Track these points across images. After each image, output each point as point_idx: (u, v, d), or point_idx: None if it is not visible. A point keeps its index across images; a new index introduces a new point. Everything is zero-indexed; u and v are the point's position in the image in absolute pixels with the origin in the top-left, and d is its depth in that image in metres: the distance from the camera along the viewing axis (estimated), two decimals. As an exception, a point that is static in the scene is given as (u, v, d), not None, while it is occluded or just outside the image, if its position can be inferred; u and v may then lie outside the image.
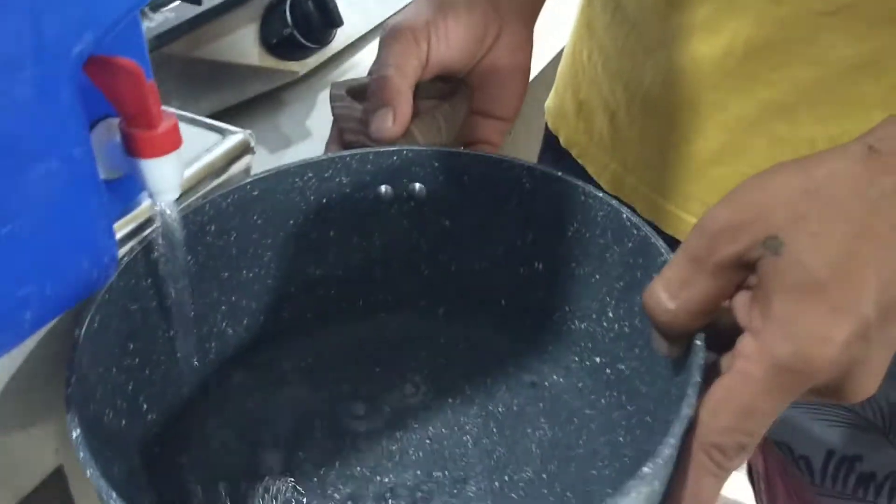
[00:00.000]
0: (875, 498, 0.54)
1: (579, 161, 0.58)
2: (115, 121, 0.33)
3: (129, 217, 0.38)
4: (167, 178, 0.34)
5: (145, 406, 0.41)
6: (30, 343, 0.36)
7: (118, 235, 0.37)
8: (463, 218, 0.47)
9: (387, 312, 0.49)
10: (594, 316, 0.44)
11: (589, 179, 0.55)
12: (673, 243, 0.38)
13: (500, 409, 0.44)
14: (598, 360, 0.44)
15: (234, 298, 0.46)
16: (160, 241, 0.38)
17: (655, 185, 0.52)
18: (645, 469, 0.28)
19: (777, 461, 0.60)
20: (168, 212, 0.37)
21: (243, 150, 0.44)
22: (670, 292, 0.32)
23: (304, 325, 0.48)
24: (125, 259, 0.38)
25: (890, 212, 0.30)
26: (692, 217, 0.50)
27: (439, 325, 0.48)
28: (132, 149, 0.32)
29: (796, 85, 0.44)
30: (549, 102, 0.63)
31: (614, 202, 0.41)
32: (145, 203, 0.38)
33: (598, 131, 0.56)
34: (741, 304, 0.32)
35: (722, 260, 0.31)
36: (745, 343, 0.31)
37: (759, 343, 0.30)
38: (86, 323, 0.35)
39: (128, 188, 0.37)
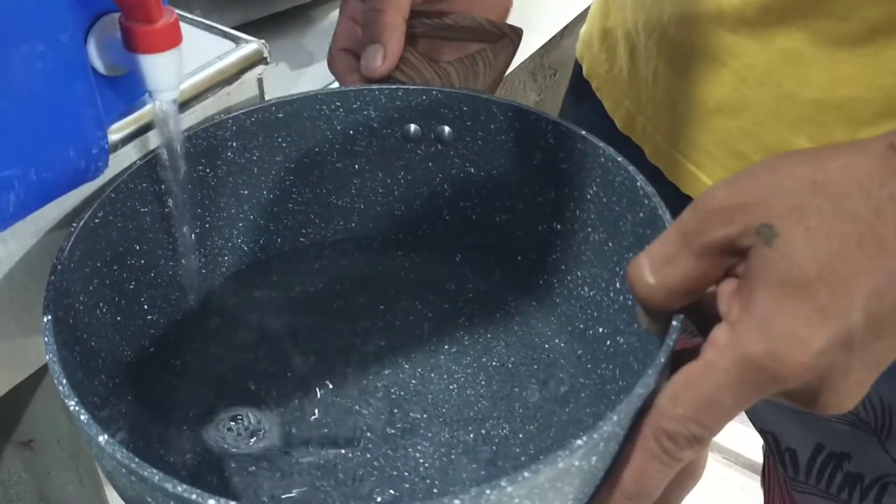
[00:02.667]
0: (860, 502, 0.51)
1: (598, 95, 0.57)
2: (117, 15, 0.33)
3: (131, 118, 0.39)
4: (166, 76, 0.34)
5: (146, 306, 0.42)
6: (26, 229, 0.37)
7: (119, 135, 0.38)
8: (488, 167, 0.46)
9: (403, 251, 0.49)
10: (602, 285, 0.43)
11: (606, 117, 0.55)
12: (680, 200, 0.37)
13: (493, 363, 0.43)
14: (600, 330, 0.43)
15: (252, 216, 0.46)
16: (163, 148, 0.39)
17: (663, 129, 0.51)
18: (578, 442, 0.28)
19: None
20: (165, 112, 0.37)
21: (256, 59, 0.44)
22: (653, 267, 0.31)
23: (321, 251, 0.49)
24: (138, 161, 0.39)
25: None
26: (694, 166, 0.49)
27: (452, 271, 0.48)
28: (131, 44, 0.33)
29: (815, 39, 0.42)
30: (583, 28, 0.62)
31: (631, 168, 0.39)
32: (150, 105, 0.39)
33: (619, 64, 0.55)
34: (725, 291, 0.30)
35: (710, 242, 0.30)
36: (719, 333, 0.29)
37: (732, 335, 0.29)
38: (86, 216, 0.36)
39: (130, 87, 0.37)
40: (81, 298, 0.37)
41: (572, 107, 0.64)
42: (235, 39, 0.44)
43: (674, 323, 0.32)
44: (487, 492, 0.26)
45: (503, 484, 0.26)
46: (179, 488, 0.26)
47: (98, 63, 0.34)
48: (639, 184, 0.38)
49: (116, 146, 0.38)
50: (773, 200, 0.28)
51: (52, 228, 0.38)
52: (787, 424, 0.53)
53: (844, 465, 0.51)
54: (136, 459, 0.27)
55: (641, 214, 0.39)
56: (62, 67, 0.30)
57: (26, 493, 0.56)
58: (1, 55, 0.28)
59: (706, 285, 0.31)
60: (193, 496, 0.26)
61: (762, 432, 0.55)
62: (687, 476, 0.75)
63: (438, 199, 0.48)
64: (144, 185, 0.40)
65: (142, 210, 0.41)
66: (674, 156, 0.51)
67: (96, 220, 0.37)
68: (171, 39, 0.33)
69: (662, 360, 0.30)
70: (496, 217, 0.47)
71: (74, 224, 0.36)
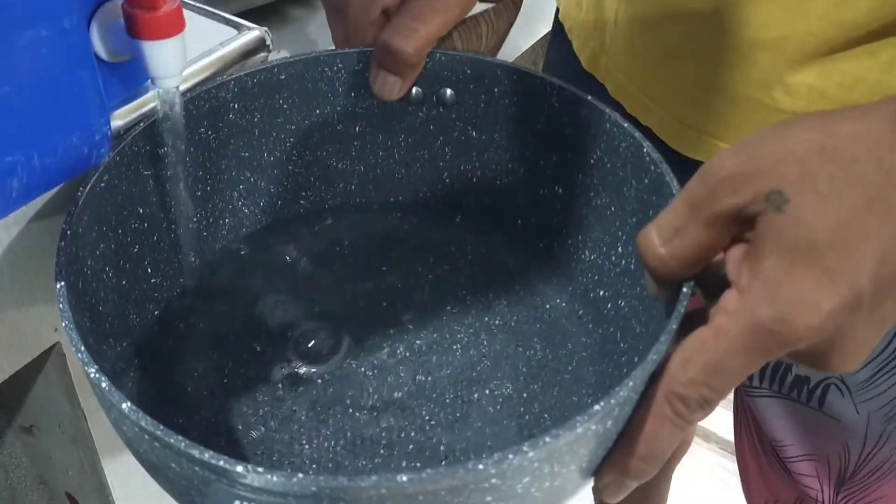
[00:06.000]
0: (807, 400, 0.56)
1: (569, 36, 0.60)
2: (120, 2, 0.33)
3: (135, 104, 0.38)
4: (168, 63, 0.34)
5: (150, 270, 0.42)
6: (28, 213, 0.37)
7: (123, 121, 0.38)
8: (490, 130, 0.46)
9: (402, 212, 0.49)
10: (604, 248, 0.43)
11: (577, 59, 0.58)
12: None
13: (495, 322, 0.44)
14: (601, 293, 0.44)
15: (252, 179, 0.46)
16: (164, 124, 0.39)
17: (624, 67, 0.54)
18: (596, 407, 0.28)
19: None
20: (168, 98, 0.37)
21: (258, 46, 0.44)
22: (662, 237, 0.32)
23: (321, 214, 0.49)
24: (140, 125, 0.39)
25: None
26: (652, 103, 0.53)
27: (452, 234, 0.48)
28: (133, 30, 0.32)
29: None
30: None
31: (637, 134, 0.39)
32: (153, 91, 0.39)
33: (586, 7, 0.57)
34: (734, 257, 0.31)
35: (720, 211, 0.30)
36: (728, 298, 0.30)
37: (742, 301, 0.29)
38: (91, 181, 0.36)
39: (133, 73, 0.37)
40: (90, 263, 0.36)
41: (551, 48, 0.66)
42: (238, 26, 0.44)
43: (684, 290, 0.32)
44: (510, 457, 0.27)
45: (525, 449, 0.27)
46: (206, 455, 0.27)
47: (101, 49, 0.34)
48: (645, 150, 0.39)
49: (119, 132, 0.38)
50: (784, 168, 0.29)
51: (54, 212, 0.38)
52: None
53: (793, 368, 0.56)
54: (161, 426, 0.27)
55: (647, 181, 0.39)
56: (65, 53, 0.30)
57: (27, 477, 0.57)
58: (5, 41, 0.27)
59: (715, 253, 0.32)
60: (221, 462, 0.26)
61: None
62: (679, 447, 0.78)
63: (439, 161, 0.48)
64: (147, 147, 0.40)
65: (145, 173, 0.40)
66: (633, 92, 0.54)
67: (102, 185, 0.37)
68: (174, 26, 0.33)
69: (674, 326, 0.31)
70: (497, 181, 0.48)
71: (81, 189, 0.36)
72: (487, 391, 0.41)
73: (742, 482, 0.67)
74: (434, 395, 0.41)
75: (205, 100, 0.42)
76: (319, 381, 0.41)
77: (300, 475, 0.26)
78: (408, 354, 0.43)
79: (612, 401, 0.29)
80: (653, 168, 0.38)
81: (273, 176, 0.47)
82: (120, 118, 0.39)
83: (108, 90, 0.35)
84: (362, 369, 0.42)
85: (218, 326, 0.43)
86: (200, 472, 0.27)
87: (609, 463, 0.31)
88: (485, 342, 0.43)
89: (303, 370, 0.42)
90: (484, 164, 0.47)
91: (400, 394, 0.41)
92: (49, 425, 0.51)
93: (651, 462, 0.31)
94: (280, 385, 0.41)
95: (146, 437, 0.28)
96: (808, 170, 0.29)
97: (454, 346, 0.43)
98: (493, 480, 0.27)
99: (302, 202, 0.48)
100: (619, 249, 0.42)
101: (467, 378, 0.42)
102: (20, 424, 0.55)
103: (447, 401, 0.41)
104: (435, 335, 0.43)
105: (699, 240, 0.31)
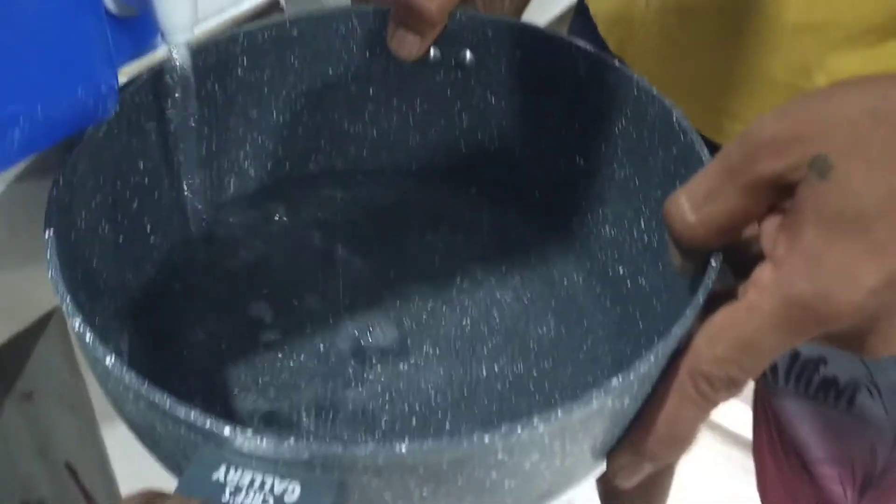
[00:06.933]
0: (835, 402, 0.53)
1: (594, 20, 0.58)
2: None
3: (144, 61, 0.36)
4: (179, 16, 0.32)
5: (149, 228, 0.40)
6: (29, 170, 0.36)
7: (129, 77, 0.36)
8: (510, 96, 0.44)
9: (416, 182, 0.47)
10: (626, 224, 0.41)
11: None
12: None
13: (508, 297, 0.42)
14: (620, 270, 0.42)
15: (260, 139, 0.44)
16: (171, 77, 0.37)
17: (657, 52, 0.52)
18: (614, 381, 0.26)
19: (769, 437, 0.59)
20: (178, 55, 0.35)
21: (271, 7, 0.42)
22: (693, 203, 0.29)
23: (330, 179, 0.47)
24: (143, 76, 0.37)
25: None
26: (683, 88, 0.51)
27: (467, 204, 0.46)
28: None
29: None
30: None
31: (668, 101, 0.37)
32: (162, 48, 0.37)
33: None
34: (769, 228, 0.29)
35: (759, 177, 0.28)
36: (762, 272, 0.28)
37: (777, 274, 0.27)
38: (89, 130, 0.34)
39: (143, 29, 0.35)
40: (84, 215, 0.35)
41: (574, 26, 0.64)
42: (251, -14, 0.42)
43: (713, 263, 0.30)
44: (519, 430, 0.25)
45: (535, 423, 0.25)
46: (192, 415, 0.25)
47: (110, 1, 0.32)
48: (675, 118, 0.36)
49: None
50: (831, 131, 0.27)
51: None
52: None
53: (821, 368, 0.53)
54: (146, 383, 0.26)
55: (675, 150, 0.37)
56: (73, 1, 0.28)
57: (26, 446, 0.55)
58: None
59: (748, 223, 0.29)
60: (207, 423, 0.25)
61: None
62: None
63: (455, 129, 0.46)
64: (150, 98, 0.38)
65: (147, 125, 0.38)
66: (661, 76, 0.51)
67: (100, 133, 0.35)
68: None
69: (701, 300, 0.29)
70: (516, 150, 0.45)
71: (78, 136, 0.34)
72: (496, 368, 0.39)
73: (758, 483, 0.65)
74: (440, 371, 0.39)
75: (213, 52, 0.40)
76: (321, 350, 0.39)
77: (292, 440, 0.24)
78: (414, 326, 0.41)
79: (632, 375, 0.27)
80: (682, 137, 0.36)
81: (282, 137, 0.45)
82: (128, 75, 0.37)
83: (116, 46, 0.33)
84: (366, 339, 0.40)
85: (219, 290, 0.42)
86: (186, 433, 0.26)
87: (625, 444, 0.29)
88: (496, 317, 0.41)
89: (304, 339, 0.40)
90: (502, 133, 0.45)
91: (405, 367, 0.39)
92: (49, 393, 0.49)
93: (670, 445, 0.29)
94: (280, 354, 0.39)
95: (131, 395, 0.26)
96: (858, 134, 0.26)
97: (463, 321, 0.41)
98: (500, 455, 0.25)
99: (311, 166, 0.46)
100: (642, 225, 0.40)
101: (476, 353, 0.40)
102: (20, 391, 0.54)
103: (453, 377, 0.39)
104: (444, 308, 0.41)
105: (733, 207, 0.28)
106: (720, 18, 0.47)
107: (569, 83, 0.41)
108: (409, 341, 0.40)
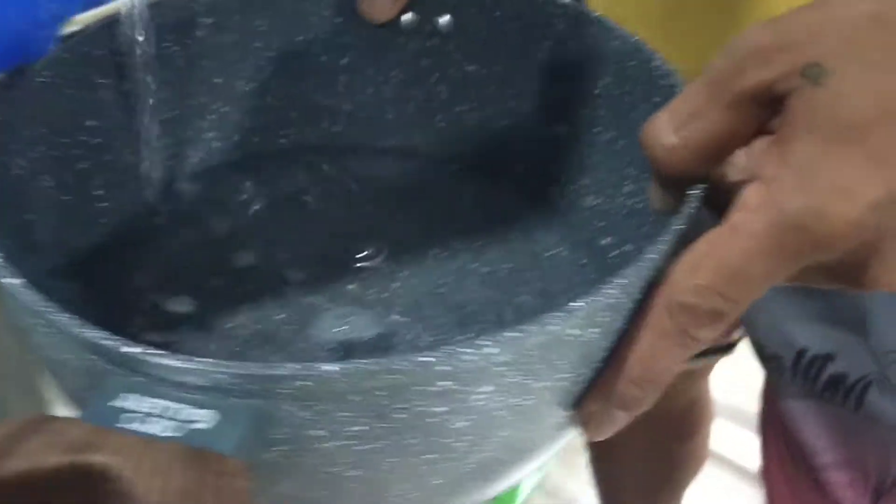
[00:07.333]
0: (843, 401, 0.49)
1: None
2: None
3: (100, 10, 0.35)
4: None
5: (100, 192, 0.38)
6: None
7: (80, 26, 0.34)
8: (490, 63, 0.42)
9: (394, 158, 0.44)
10: (610, 191, 0.38)
11: None
12: None
13: (485, 269, 0.39)
14: (606, 240, 0.39)
15: (224, 109, 0.42)
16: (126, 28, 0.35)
17: (641, 18, 0.48)
18: (573, 305, 0.23)
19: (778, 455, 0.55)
20: (133, 5, 0.33)
21: None
22: (675, 123, 0.26)
23: (302, 154, 0.44)
24: (95, 24, 0.35)
25: None
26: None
27: (447, 179, 0.43)
28: None
29: None
30: None
31: (647, 47, 0.35)
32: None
33: None
34: (758, 149, 0.26)
35: (746, 88, 0.25)
36: (750, 192, 0.24)
37: (767, 193, 0.24)
38: (29, 72, 0.32)
39: None
40: (19, 162, 0.32)
41: None
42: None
43: (694, 191, 0.27)
44: (466, 350, 0.22)
45: (486, 342, 0.22)
46: (89, 332, 0.22)
47: None
48: (655, 63, 0.34)
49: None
50: (824, 36, 0.24)
51: None
52: (771, 330, 0.52)
53: (829, 365, 0.49)
54: (46, 301, 0.23)
55: (657, 99, 0.34)
56: None
57: None
58: None
59: (735, 146, 0.26)
60: (108, 341, 0.22)
61: (750, 338, 0.55)
62: (692, 458, 0.71)
63: (434, 102, 0.44)
64: (103, 53, 0.36)
65: (99, 81, 0.36)
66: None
67: (42, 79, 0.33)
68: None
69: (680, 226, 0.26)
70: (496, 123, 0.43)
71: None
72: (469, 336, 0.36)
73: (767, 499, 0.61)
74: (408, 338, 0.36)
75: (171, 7, 0.38)
76: (279, 317, 0.36)
77: (204, 359, 0.21)
78: (385, 295, 0.38)
79: (598, 300, 0.23)
80: (663, 82, 0.33)
81: (249, 108, 0.43)
82: (79, 24, 0.35)
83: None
84: (328, 309, 0.37)
85: (174, 262, 0.39)
86: (92, 359, 0.23)
87: (594, 386, 0.26)
88: (472, 287, 0.38)
89: (262, 312, 0.37)
90: (483, 103, 0.43)
91: (370, 335, 0.36)
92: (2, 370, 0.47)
93: (645, 388, 0.25)
94: (233, 326, 0.36)
95: (34, 321, 0.24)
96: (855, 38, 0.24)
97: (436, 290, 0.38)
98: (446, 382, 0.22)
99: (282, 140, 0.44)
100: (627, 188, 0.37)
101: (448, 322, 0.37)
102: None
103: (422, 344, 0.35)
104: (416, 278, 0.39)
105: (719, 125, 0.26)
106: None
107: (549, 41, 0.39)
108: (375, 310, 0.37)
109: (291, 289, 0.38)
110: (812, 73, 0.24)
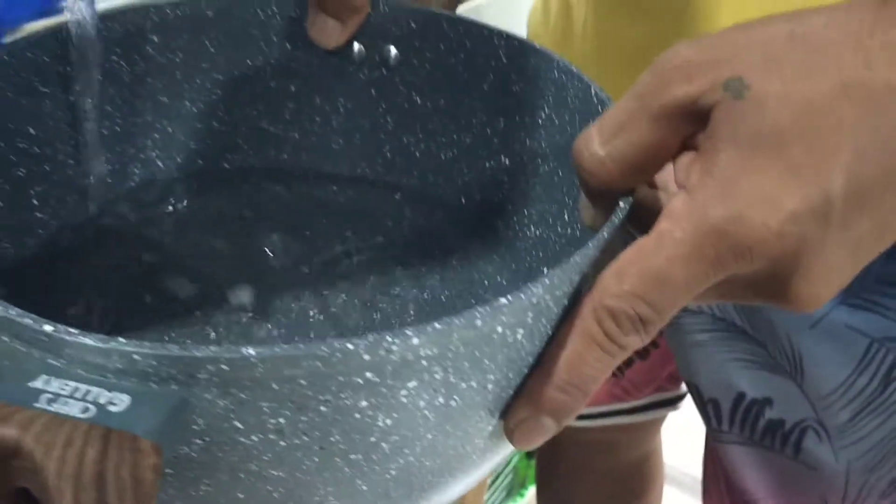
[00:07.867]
0: (781, 447, 0.50)
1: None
2: None
3: (50, 21, 0.35)
4: None
5: (36, 201, 0.37)
6: None
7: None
8: (435, 95, 0.43)
9: (338, 185, 0.45)
10: (551, 220, 0.39)
11: None
12: None
13: (425, 296, 0.39)
14: (545, 270, 0.39)
15: (169, 129, 0.42)
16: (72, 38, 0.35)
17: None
18: (500, 301, 0.23)
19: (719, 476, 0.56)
20: (81, 11, 0.34)
21: None
22: (603, 136, 0.27)
23: (246, 178, 0.44)
24: (41, 32, 0.35)
25: (890, 67, 0.24)
26: None
27: (390, 208, 0.44)
28: None
29: None
30: None
31: (585, 77, 0.36)
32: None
33: (553, 21, 0.56)
34: (684, 163, 0.27)
35: (671, 101, 0.26)
36: (676, 201, 0.25)
37: (690, 201, 0.25)
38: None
39: None
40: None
41: None
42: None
43: (621, 204, 0.28)
44: (389, 339, 0.22)
45: (409, 333, 0.22)
46: (8, 311, 0.21)
47: None
48: (593, 91, 0.35)
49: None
50: (745, 52, 0.25)
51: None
52: (710, 374, 0.52)
53: (766, 411, 0.50)
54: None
55: (595, 127, 0.35)
56: None
57: None
58: None
59: (661, 160, 0.27)
60: (24, 319, 0.21)
61: (687, 384, 0.55)
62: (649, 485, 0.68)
63: (380, 133, 0.44)
64: (47, 60, 0.36)
65: (42, 89, 0.36)
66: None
67: (-19, 80, 0.33)
68: None
69: (605, 235, 0.26)
70: (441, 155, 0.44)
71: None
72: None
73: None
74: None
75: (120, 22, 0.38)
76: (211, 344, 0.36)
77: (120, 339, 0.21)
78: (322, 318, 0.37)
79: (523, 296, 0.24)
80: (601, 110, 0.34)
81: (194, 129, 0.43)
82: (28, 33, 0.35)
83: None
84: (267, 329, 0.36)
85: (108, 279, 0.38)
86: (7, 339, 0.22)
87: (522, 393, 0.26)
88: (411, 313, 0.38)
89: (188, 329, 0.36)
90: (428, 136, 0.43)
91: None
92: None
93: (572, 393, 0.25)
94: (166, 339, 0.36)
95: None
96: (774, 55, 0.25)
97: (373, 314, 0.38)
98: (368, 374, 0.22)
99: (226, 165, 0.44)
100: (566, 217, 0.38)
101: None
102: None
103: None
104: (354, 301, 0.38)
105: (645, 137, 0.26)
106: (650, 33, 0.47)
107: (492, 74, 0.40)
108: (312, 332, 0.37)
109: (221, 309, 0.38)
110: (734, 87, 0.25)
